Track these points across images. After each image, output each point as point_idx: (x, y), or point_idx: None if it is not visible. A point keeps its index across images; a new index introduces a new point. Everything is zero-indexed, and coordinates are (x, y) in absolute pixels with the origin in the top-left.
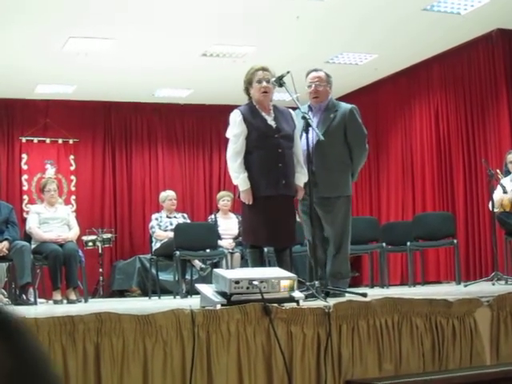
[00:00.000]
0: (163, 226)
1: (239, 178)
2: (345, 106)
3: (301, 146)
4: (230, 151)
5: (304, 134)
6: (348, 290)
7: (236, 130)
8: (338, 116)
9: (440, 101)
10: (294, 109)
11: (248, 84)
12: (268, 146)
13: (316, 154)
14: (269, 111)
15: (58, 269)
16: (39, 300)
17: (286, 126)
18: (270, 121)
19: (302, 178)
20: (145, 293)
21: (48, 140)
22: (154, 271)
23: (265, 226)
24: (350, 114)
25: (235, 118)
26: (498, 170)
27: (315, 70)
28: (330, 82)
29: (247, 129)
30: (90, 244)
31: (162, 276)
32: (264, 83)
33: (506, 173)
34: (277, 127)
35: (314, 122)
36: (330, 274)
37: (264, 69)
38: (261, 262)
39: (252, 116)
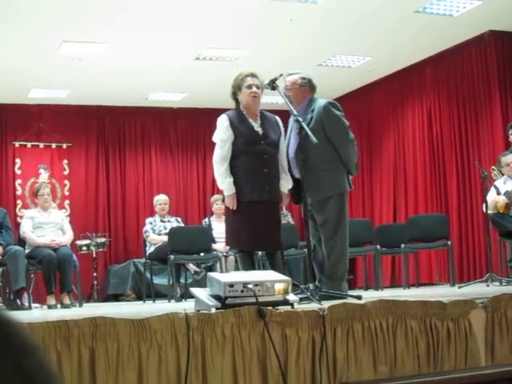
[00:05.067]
0: (157, 230)
1: (225, 182)
2: (320, 103)
3: (285, 152)
4: (216, 156)
5: (297, 138)
6: (342, 292)
7: (223, 135)
8: (315, 115)
9: (433, 103)
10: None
11: (237, 89)
12: (254, 151)
13: (300, 157)
14: (256, 117)
15: (52, 273)
16: (33, 305)
17: (272, 133)
18: (257, 127)
19: (286, 184)
20: (139, 297)
21: (41, 145)
22: (148, 275)
23: (247, 230)
24: (324, 110)
25: (222, 122)
26: (492, 167)
27: (290, 75)
28: (306, 84)
29: (234, 134)
30: (84, 248)
31: (157, 280)
32: (254, 89)
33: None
34: (263, 134)
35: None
36: (325, 275)
37: (253, 75)
38: (251, 265)
39: (239, 122)
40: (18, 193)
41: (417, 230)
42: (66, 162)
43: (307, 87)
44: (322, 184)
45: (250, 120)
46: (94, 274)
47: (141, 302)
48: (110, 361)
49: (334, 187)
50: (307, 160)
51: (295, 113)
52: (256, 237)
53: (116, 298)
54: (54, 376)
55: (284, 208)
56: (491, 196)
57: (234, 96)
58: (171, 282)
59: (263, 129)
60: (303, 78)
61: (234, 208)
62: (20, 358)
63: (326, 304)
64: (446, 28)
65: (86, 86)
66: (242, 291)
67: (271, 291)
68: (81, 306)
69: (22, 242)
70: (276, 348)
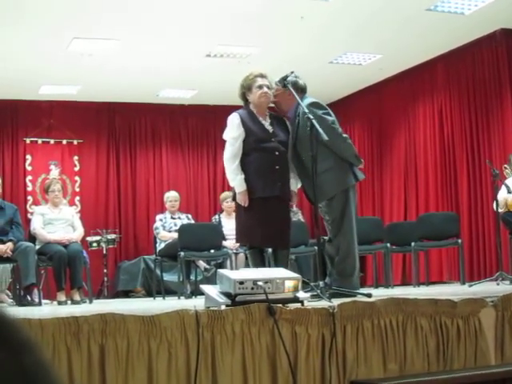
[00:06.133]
0: (167, 226)
1: (236, 179)
2: (304, 106)
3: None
4: (227, 153)
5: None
6: (352, 290)
7: (235, 132)
8: (300, 118)
9: (444, 101)
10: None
11: (247, 89)
12: (266, 149)
13: (294, 162)
14: (265, 117)
15: (62, 270)
16: (44, 301)
17: (282, 132)
18: (267, 126)
19: (295, 183)
20: (149, 293)
21: (52, 141)
22: (158, 272)
23: (260, 226)
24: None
25: (234, 120)
26: (504, 165)
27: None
28: (288, 87)
29: (245, 132)
30: (95, 245)
31: (167, 277)
32: (265, 89)
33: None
34: (273, 132)
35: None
36: (335, 272)
37: (262, 75)
38: (261, 262)
39: (250, 120)
40: (29, 189)
41: (427, 228)
42: (76, 158)
43: (292, 89)
44: (323, 186)
45: (261, 119)
46: (105, 271)
47: (151, 298)
48: (120, 357)
49: (335, 186)
50: (301, 165)
51: (306, 110)
52: (268, 233)
53: (126, 294)
54: (53, 374)
55: (294, 206)
56: (502, 194)
57: (243, 96)
58: (181, 279)
59: (273, 127)
60: (283, 81)
61: (246, 205)
62: (19, 356)
63: (336, 302)
64: (457, 26)
65: (96, 83)
66: (252, 288)
67: (281, 288)
68: (91, 302)
69: (32, 238)
70: (286, 345)
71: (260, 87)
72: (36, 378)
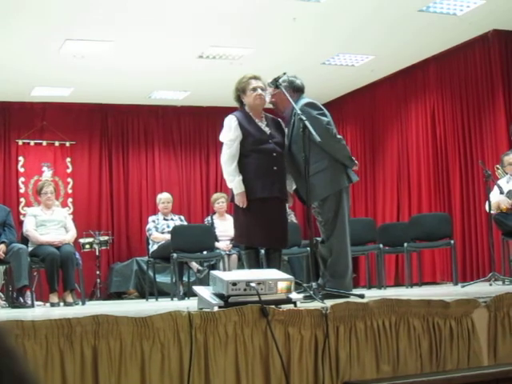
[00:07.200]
0: (160, 228)
1: (234, 181)
2: (296, 107)
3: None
4: (225, 155)
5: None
6: (345, 291)
7: (232, 134)
8: (296, 120)
9: (436, 102)
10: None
11: (241, 92)
12: (264, 150)
13: (288, 163)
14: (261, 118)
15: (55, 271)
16: (36, 303)
17: (278, 134)
18: (264, 127)
19: (290, 184)
20: (142, 295)
21: (45, 142)
22: (151, 273)
23: (258, 226)
24: (302, 113)
25: (231, 123)
26: (496, 166)
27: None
28: (287, 88)
29: (242, 134)
30: (87, 246)
31: (160, 278)
32: (259, 91)
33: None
34: (270, 133)
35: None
36: (328, 274)
37: (256, 77)
38: (256, 262)
39: (247, 122)
40: (21, 191)
41: (420, 229)
42: (69, 160)
43: (289, 90)
44: (316, 187)
45: (257, 120)
46: (97, 272)
47: (144, 300)
48: (113, 359)
49: (328, 187)
50: (294, 166)
51: (299, 112)
52: (267, 234)
53: (119, 296)
54: (28, 375)
55: (287, 207)
56: (494, 195)
57: (238, 98)
58: (174, 281)
59: (269, 129)
60: (283, 81)
61: (245, 206)
62: None
63: (329, 303)
64: (449, 27)
65: (89, 84)
66: (245, 290)
67: (274, 290)
68: (83, 304)
69: (24, 239)
70: (279, 347)
71: (254, 89)
72: (8, 380)
